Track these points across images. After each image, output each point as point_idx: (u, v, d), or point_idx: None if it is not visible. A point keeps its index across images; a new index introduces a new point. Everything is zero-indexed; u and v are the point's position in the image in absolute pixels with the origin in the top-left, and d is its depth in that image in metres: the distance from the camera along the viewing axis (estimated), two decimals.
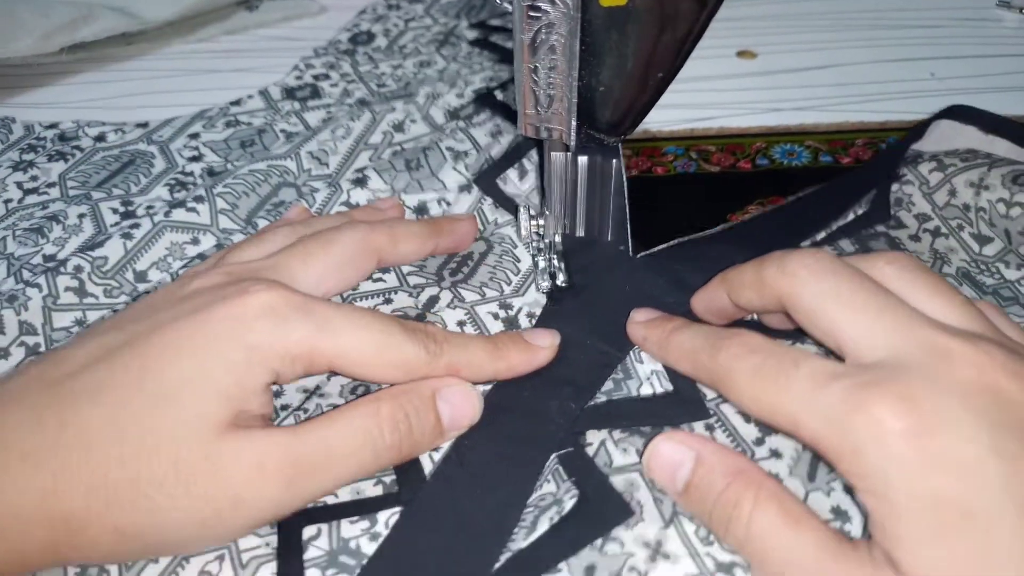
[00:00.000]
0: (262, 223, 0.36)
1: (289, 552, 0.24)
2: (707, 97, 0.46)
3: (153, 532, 0.22)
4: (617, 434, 0.26)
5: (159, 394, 0.22)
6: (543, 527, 0.24)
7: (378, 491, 0.25)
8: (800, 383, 0.21)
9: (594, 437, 0.26)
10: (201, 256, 0.35)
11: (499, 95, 0.44)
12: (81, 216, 0.37)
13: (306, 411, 0.28)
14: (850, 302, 0.22)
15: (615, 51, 0.26)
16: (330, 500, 0.25)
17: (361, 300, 0.32)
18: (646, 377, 0.28)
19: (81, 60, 0.49)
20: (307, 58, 0.49)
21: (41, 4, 0.47)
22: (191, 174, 0.40)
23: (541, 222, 0.33)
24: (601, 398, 0.28)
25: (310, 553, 0.24)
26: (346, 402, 0.28)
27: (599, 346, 0.30)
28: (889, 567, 0.19)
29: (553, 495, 0.25)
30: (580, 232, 0.34)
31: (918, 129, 0.37)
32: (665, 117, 0.44)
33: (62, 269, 0.33)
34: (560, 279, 0.33)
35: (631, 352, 0.29)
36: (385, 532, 0.24)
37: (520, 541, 0.24)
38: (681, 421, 0.26)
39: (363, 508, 0.25)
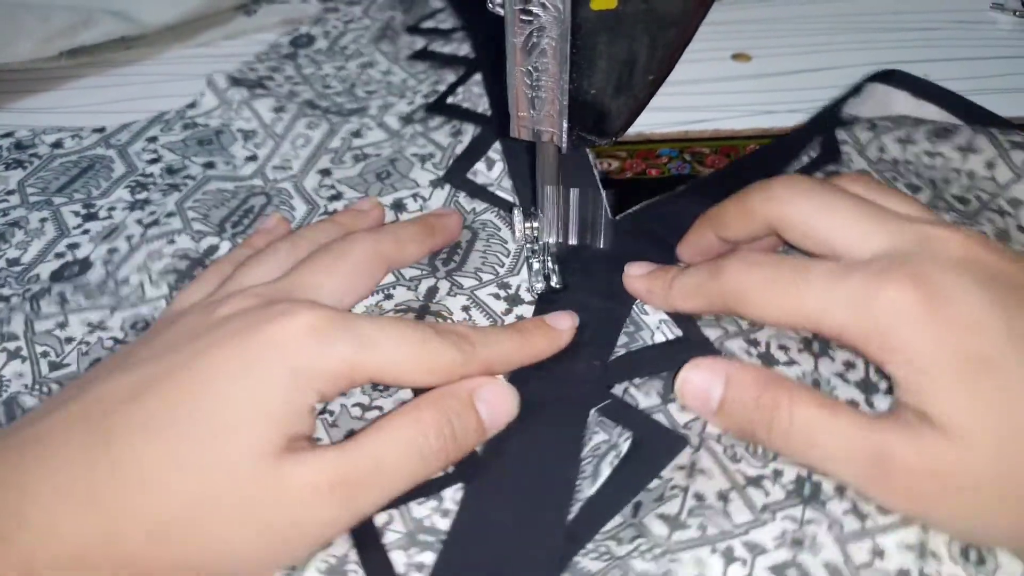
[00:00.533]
0: (229, 234, 0.36)
1: (367, 541, 0.24)
2: (702, 100, 0.46)
3: (215, 565, 0.22)
4: (637, 380, 0.29)
5: (212, 424, 0.22)
6: (606, 472, 0.25)
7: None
8: (817, 282, 0.24)
9: (617, 388, 0.29)
10: (184, 256, 0.34)
11: (450, 99, 0.45)
12: (43, 220, 0.37)
13: (332, 413, 0.28)
14: (841, 212, 0.25)
15: (606, 54, 0.26)
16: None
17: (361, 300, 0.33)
18: (655, 327, 0.30)
19: (81, 64, 0.50)
20: (249, 63, 0.49)
21: (41, 9, 0.47)
22: (151, 175, 0.40)
23: (535, 224, 0.34)
24: (620, 351, 0.30)
25: (388, 537, 0.24)
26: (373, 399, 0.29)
27: (604, 304, 0.31)
28: (922, 423, 0.22)
29: (607, 442, 0.27)
30: (573, 240, 0.34)
31: (856, 88, 0.41)
32: (660, 119, 0.44)
33: (45, 294, 0.33)
34: (554, 281, 0.33)
35: (635, 305, 0.31)
36: (454, 508, 0.25)
37: (587, 490, 0.25)
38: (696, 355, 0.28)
39: (426, 490, 0.25)
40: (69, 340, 0.31)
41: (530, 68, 0.26)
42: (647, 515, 0.24)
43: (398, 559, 0.24)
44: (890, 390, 0.26)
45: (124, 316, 0.32)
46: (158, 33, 0.51)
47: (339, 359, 0.24)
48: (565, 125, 0.27)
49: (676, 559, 0.23)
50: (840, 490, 0.24)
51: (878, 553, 0.23)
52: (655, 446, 0.26)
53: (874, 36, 0.52)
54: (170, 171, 0.40)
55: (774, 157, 0.39)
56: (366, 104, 0.46)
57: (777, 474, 0.25)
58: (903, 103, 0.40)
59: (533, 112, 0.28)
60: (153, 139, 0.43)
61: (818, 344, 0.28)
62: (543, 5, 0.25)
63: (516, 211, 0.35)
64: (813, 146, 0.38)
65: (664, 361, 0.29)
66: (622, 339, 0.30)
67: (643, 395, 0.28)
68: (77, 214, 0.38)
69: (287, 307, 0.25)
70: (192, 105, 0.45)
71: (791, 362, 0.27)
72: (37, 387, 0.30)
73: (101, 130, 0.43)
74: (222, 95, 0.45)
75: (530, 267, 0.34)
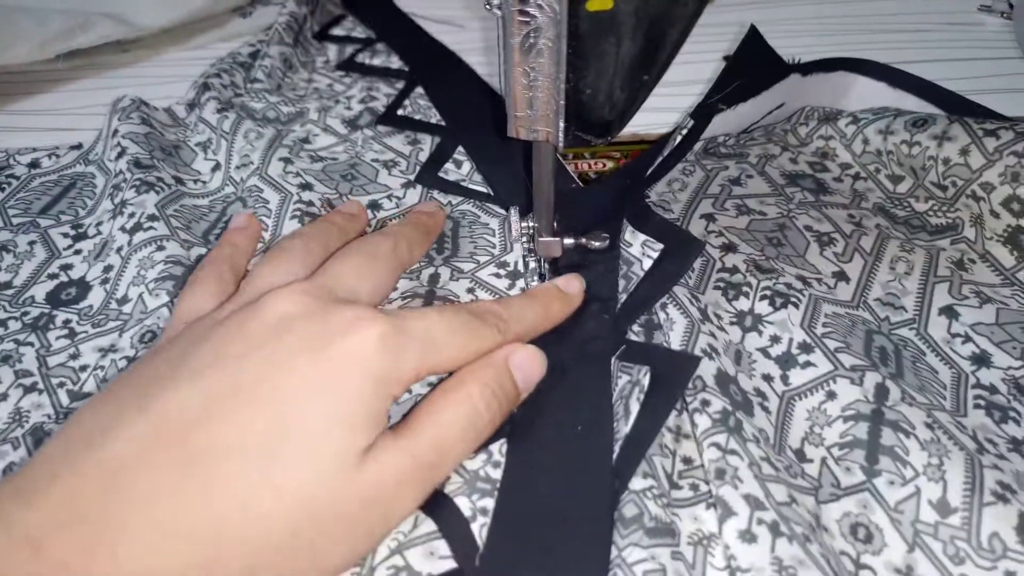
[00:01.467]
0: (214, 242, 0.37)
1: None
2: (693, 100, 0.47)
3: (316, 573, 0.22)
4: (636, 328, 0.31)
5: (302, 442, 0.22)
6: (635, 408, 0.27)
7: None
8: None
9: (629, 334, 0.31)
10: (177, 262, 0.34)
11: (400, 111, 0.46)
12: (31, 243, 0.37)
13: None
14: None
15: (601, 54, 0.27)
16: None
17: None
18: (640, 254, 0.33)
19: (77, 67, 0.50)
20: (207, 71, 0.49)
21: (38, 12, 0.47)
22: (120, 172, 0.39)
23: (531, 223, 0.34)
24: (622, 297, 0.32)
25: (449, 487, 0.26)
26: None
27: (597, 258, 0.34)
28: None
29: (630, 381, 0.28)
30: (568, 240, 0.35)
31: (827, 64, 0.43)
32: (653, 120, 0.45)
33: (51, 325, 0.33)
34: (549, 279, 0.33)
35: (620, 242, 0.34)
36: (502, 459, 0.27)
37: (624, 428, 0.27)
38: (689, 264, 0.32)
39: None
40: (83, 368, 0.31)
41: (527, 68, 0.27)
42: (655, 455, 0.26)
43: (463, 504, 0.25)
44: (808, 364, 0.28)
45: (131, 334, 0.32)
46: (154, 36, 0.51)
47: (412, 366, 0.25)
48: (561, 124, 0.28)
49: (676, 514, 0.25)
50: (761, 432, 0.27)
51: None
52: (673, 370, 0.28)
53: (862, 38, 0.52)
54: (138, 165, 0.39)
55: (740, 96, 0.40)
56: (303, 108, 0.46)
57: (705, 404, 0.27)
58: (883, 98, 0.42)
59: (530, 112, 0.28)
60: (115, 132, 0.41)
61: (750, 319, 0.30)
62: (540, 6, 0.25)
63: (512, 210, 0.35)
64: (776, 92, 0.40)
65: (660, 284, 0.31)
66: (621, 283, 0.33)
67: (632, 334, 0.31)
68: (66, 235, 0.37)
69: (356, 316, 0.25)
70: (146, 104, 0.44)
71: (720, 329, 0.30)
72: (63, 416, 0.29)
73: (78, 147, 0.43)
74: (180, 121, 0.44)
75: (526, 265, 0.34)
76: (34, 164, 0.42)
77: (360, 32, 0.54)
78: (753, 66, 0.41)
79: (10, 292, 0.34)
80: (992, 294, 0.32)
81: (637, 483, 0.25)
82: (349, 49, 0.53)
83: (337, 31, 0.55)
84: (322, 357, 0.23)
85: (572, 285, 0.32)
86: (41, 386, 0.30)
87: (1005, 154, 0.34)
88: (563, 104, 0.27)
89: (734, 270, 0.32)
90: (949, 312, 0.31)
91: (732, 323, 0.30)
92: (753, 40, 0.41)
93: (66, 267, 0.36)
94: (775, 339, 0.29)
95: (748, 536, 0.23)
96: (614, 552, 0.24)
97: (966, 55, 0.50)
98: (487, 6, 0.27)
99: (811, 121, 0.41)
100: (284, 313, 0.25)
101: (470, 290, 0.34)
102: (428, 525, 0.25)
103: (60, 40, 0.47)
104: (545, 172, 0.31)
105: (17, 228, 0.38)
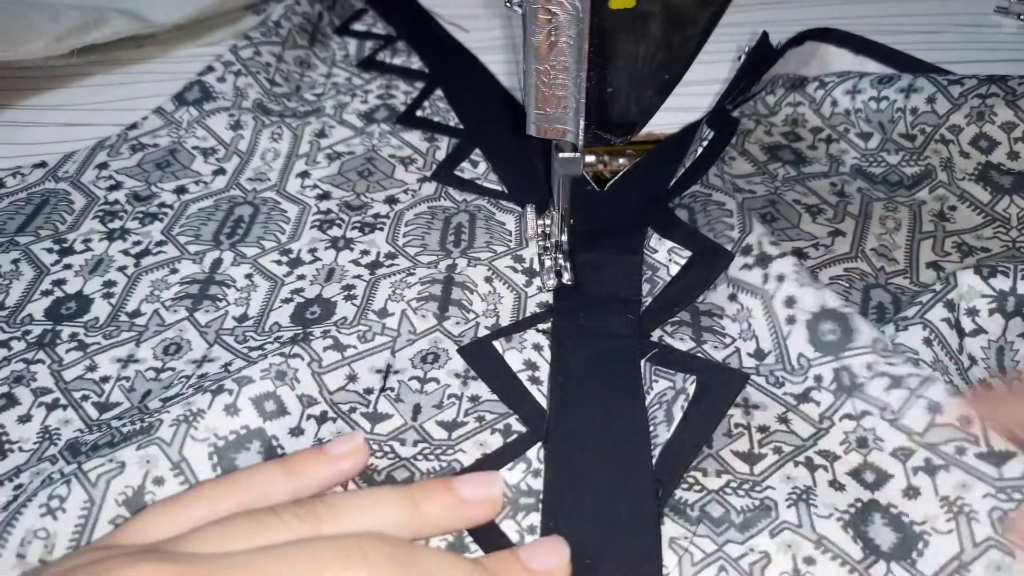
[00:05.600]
0: (227, 245, 0.37)
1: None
2: (708, 100, 0.47)
3: None
4: (668, 328, 0.31)
5: None
6: (678, 415, 0.27)
7: (499, 440, 0.28)
8: None
9: (653, 335, 0.31)
10: (193, 281, 0.35)
11: (419, 112, 0.46)
12: (15, 261, 0.36)
13: (392, 389, 0.30)
14: None
15: (623, 53, 0.26)
16: (471, 460, 0.27)
17: (384, 279, 0.35)
18: (667, 260, 0.34)
19: (91, 63, 0.50)
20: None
21: (53, 7, 0.47)
22: (117, 202, 0.40)
23: (547, 221, 0.34)
24: (647, 300, 0.33)
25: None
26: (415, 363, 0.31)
27: (619, 259, 0.34)
28: None
29: (672, 388, 0.29)
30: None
31: (798, 38, 0.45)
32: (669, 119, 0.45)
33: (58, 340, 0.32)
34: (566, 277, 0.33)
35: (645, 248, 0.35)
36: (540, 466, 0.27)
37: (664, 435, 0.27)
38: (717, 274, 0.32)
39: (510, 454, 0.27)
40: (105, 379, 0.31)
41: (548, 66, 0.27)
42: (722, 449, 0.27)
43: (509, 528, 0.25)
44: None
45: (152, 345, 0.32)
46: (168, 32, 0.52)
47: None
48: (582, 123, 0.28)
49: (768, 485, 0.26)
50: (869, 367, 0.28)
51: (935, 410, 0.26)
52: (721, 383, 0.28)
53: (878, 39, 0.52)
54: (138, 198, 0.40)
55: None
56: (320, 105, 0.46)
57: (818, 379, 0.28)
58: (844, 62, 0.44)
59: (550, 110, 0.28)
60: (104, 166, 0.42)
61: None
62: (561, 3, 0.25)
63: (528, 208, 0.35)
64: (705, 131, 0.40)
65: (689, 290, 0.32)
66: (645, 287, 0.33)
67: (678, 341, 0.31)
68: (50, 251, 0.37)
69: None
70: (133, 126, 0.44)
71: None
72: (96, 428, 0.29)
73: (42, 164, 0.42)
74: (169, 116, 0.45)
75: (542, 264, 0.34)
76: None
77: (380, 28, 0.54)
78: (759, 67, 0.42)
79: (4, 313, 0.34)
80: (974, 241, 0.35)
81: (713, 483, 0.26)
82: (369, 44, 0.53)
83: (358, 26, 0.55)
84: None
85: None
86: (64, 401, 0.30)
87: (970, 97, 0.36)
88: (583, 102, 0.27)
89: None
90: (935, 267, 0.34)
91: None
92: (763, 45, 0.43)
93: (59, 282, 0.35)
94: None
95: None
96: (712, 547, 0.24)
97: (982, 57, 0.50)
98: (507, 4, 0.27)
99: (778, 89, 0.43)
100: None
101: (488, 279, 0.34)
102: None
103: (74, 36, 0.47)
104: (564, 174, 0.31)
105: None
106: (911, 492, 0.25)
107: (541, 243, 0.35)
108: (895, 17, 0.54)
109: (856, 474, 0.26)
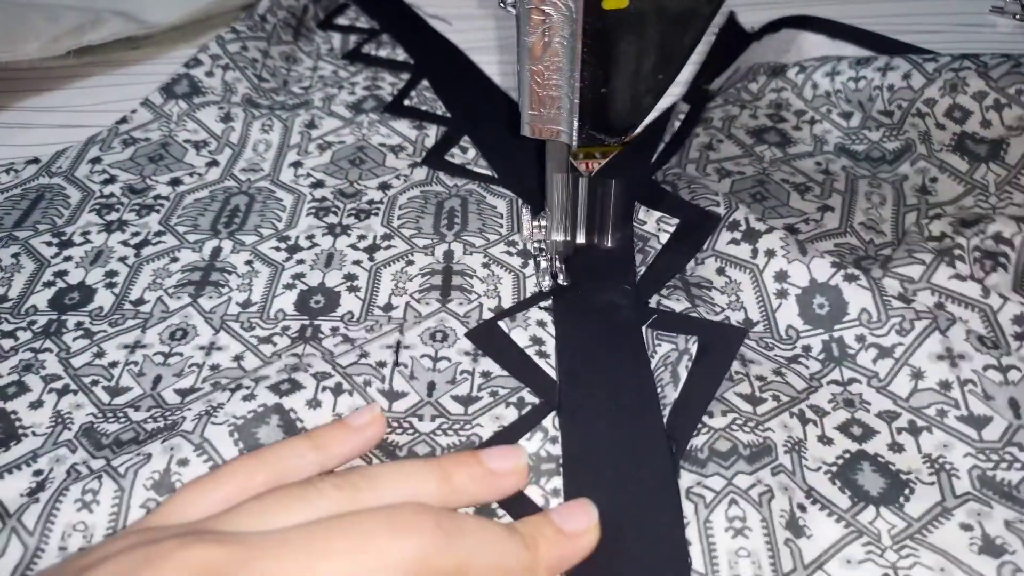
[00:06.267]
0: (225, 234, 0.38)
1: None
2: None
3: None
4: (664, 291, 0.33)
5: None
6: (684, 374, 0.28)
7: (514, 413, 0.29)
8: None
9: (651, 302, 0.32)
10: (194, 268, 0.35)
11: (406, 102, 0.47)
12: (16, 255, 0.36)
13: (405, 366, 0.30)
14: None
15: (617, 53, 0.26)
16: (489, 434, 0.28)
17: (385, 267, 0.36)
18: (656, 230, 0.35)
19: (88, 64, 0.50)
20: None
21: (50, 8, 0.48)
22: (112, 195, 0.40)
23: (543, 223, 0.34)
24: (642, 269, 0.34)
25: None
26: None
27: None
28: None
29: (676, 349, 0.30)
30: (580, 239, 0.35)
31: (774, 24, 0.47)
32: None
33: (63, 329, 0.33)
34: (561, 279, 0.33)
35: (634, 221, 0.36)
36: (556, 433, 0.28)
37: (672, 394, 0.28)
38: (706, 236, 0.34)
39: (526, 425, 0.28)
40: (113, 364, 0.31)
41: (541, 67, 0.27)
42: (726, 392, 0.28)
43: (534, 493, 0.26)
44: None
45: (158, 331, 0.33)
46: (164, 33, 0.52)
47: None
48: (576, 123, 0.28)
49: (768, 427, 0.27)
50: (861, 339, 0.29)
51: (917, 376, 0.28)
52: (723, 340, 0.30)
53: None
54: (133, 191, 0.40)
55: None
56: (308, 98, 0.47)
57: (807, 349, 0.30)
58: (822, 48, 0.46)
59: (544, 110, 0.28)
60: (97, 160, 0.42)
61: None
62: (555, 4, 0.25)
63: (524, 210, 0.35)
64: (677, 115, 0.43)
65: (681, 256, 0.34)
66: (638, 257, 0.35)
67: (675, 302, 0.32)
68: (50, 244, 0.37)
69: None
70: (123, 120, 0.45)
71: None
72: (111, 414, 0.29)
73: (35, 161, 0.42)
74: (158, 110, 0.45)
75: (537, 265, 0.34)
76: None
77: (364, 22, 0.55)
78: (730, 47, 0.45)
79: (8, 305, 0.34)
80: (956, 212, 0.35)
81: (719, 422, 0.27)
82: (353, 38, 0.53)
83: (341, 20, 0.55)
84: None
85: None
86: (74, 387, 0.30)
87: (944, 71, 0.38)
88: (577, 103, 0.27)
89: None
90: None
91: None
92: (731, 25, 0.46)
93: (61, 273, 0.36)
94: None
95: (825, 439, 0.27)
96: (722, 483, 0.25)
97: None
98: (501, 4, 0.27)
99: (760, 77, 0.44)
100: None
101: (485, 264, 0.35)
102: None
103: (71, 37, 0.47)
104: (558, 172, 0.31)
105: None
106: (896, 447, 0.27)
107: (536, 245, 0.35)
108: (891, 17, 0.54)
109: (844, 428, 0.27)
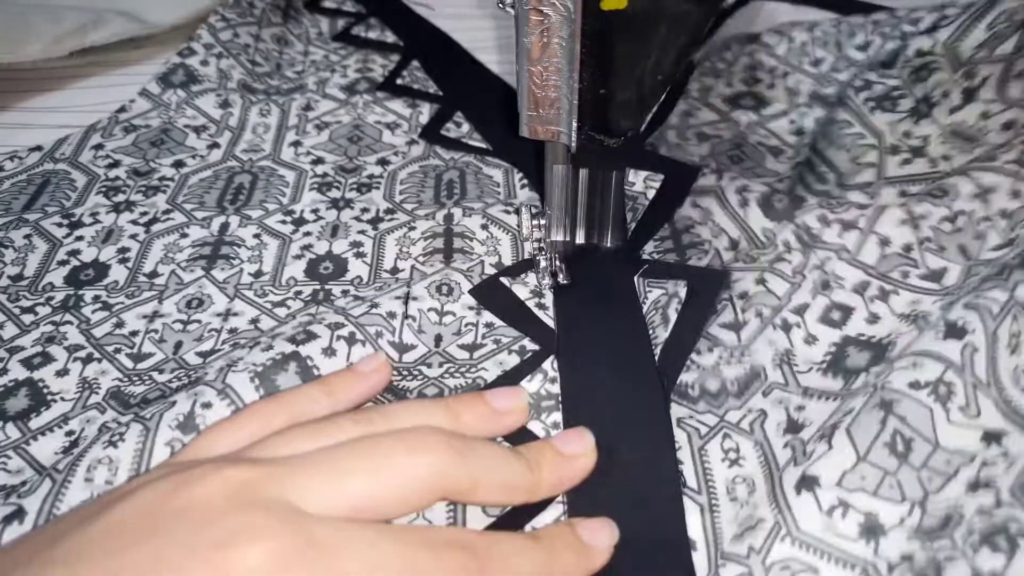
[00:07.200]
0: (232, 210, 0.39)
1: None
2: None
3: None
4: (656, 247, 0.35)
5: None
6: (674, 316, 0.31)
7: (516, 359, 0.30)
8: None
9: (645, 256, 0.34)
10: (204, 243, 0.37)
11: (398, 81, 0.49)
12: (28, 236, 0.38)
13: (414, 319, 0.32)
14: None
15: (615, 54, 0.26)
16: (493, 376, 0.30)
17: (388, 235, 0.37)
18: (644, 188, 0.38)
19: (90, 64, 0.50)
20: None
21: (51, 9, 0.48)
22: (118, 178, 0.41)
23: (542, 221, 0.34)
24: (632, 225, 0.36)
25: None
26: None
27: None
28: None
29: (665, 293, 0.32)
30: (580, 239, 0.35)
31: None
32: None
33: (82, 303, 0.34)
34: (561, 277, 0.33)
35: (625, 182, 0.37)
36: (555, 374, 0.30)
37: (663, 334, 0.30)
38: (689, 186, 0.37)
39: (527, 368, 0.30)
40: (134, 333, 0.32)
41: (540, 68, 0.27)
42: (711, 326, 0.30)
43: (536, 428, 0.28)
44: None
45: (175, 301, 0.34)
46: (166, 33, 0.52)
47: None
48: (574, 125, 0.28)
49: (751, 351, 0.29)
50: (823, 219, 0.32)
51: (884, 243, 0.31)
52: (707, 281, 0.32)
53: None
54: (137, 173, 0.42)
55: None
56: (302, 82, 0.49)
57: (787, 244, 0.32)
58: (786, 14, 0.48)
59: (542, 111, 0.28)
60: (99, 147, 0.44)
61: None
62: (553, 5, 0.25)
63: (523, 209, 0.35)
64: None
65: (664, 212, 0.36)
66: (629, 215, 0.37)
67: (669, 257, 0.35)
68: (60, 225, 0.38)
69: (238, 528, 0.20)
70: (122, 110, 0.46)
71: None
72: (137, 378, 0.30)
73: (38, 148, 0.43)
74: (157, 99, 0.47)
75: (537, 264, 0.34)
76: None
77: (350, 6, 0.57)
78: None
79: (25, 282, 0.35)
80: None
81: (707, 360, 0.29)
82: (341, 22, 0.55)
83: (327, 3, 0.57)
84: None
85: (598, 536, 0.24)
86: (97, 355, 0.31)
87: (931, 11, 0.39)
88: (576, 104, 0.27)
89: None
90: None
91: None
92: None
93: (74, 252, 0.37)
94: None
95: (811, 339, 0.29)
96: (714, 420, 0.27)
97: None
98: (500, 4, 0.27)
99: (734, 46, 0.46)
100: (190, 503, 0.20)
101: (484, 226, 0.37)
102: None
103: (73, 37, 0.47)
104: (557, 173, 0.31)
105: (6, 226, 0.38)
106: (872, 318, 0.29)
107: (536, 244, 0.35)
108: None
109: (825, 317, 0.29)
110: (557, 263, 0.34)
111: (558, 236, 0.33)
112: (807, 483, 0.24)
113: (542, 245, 0.34)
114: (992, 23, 0.33)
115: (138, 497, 0.21)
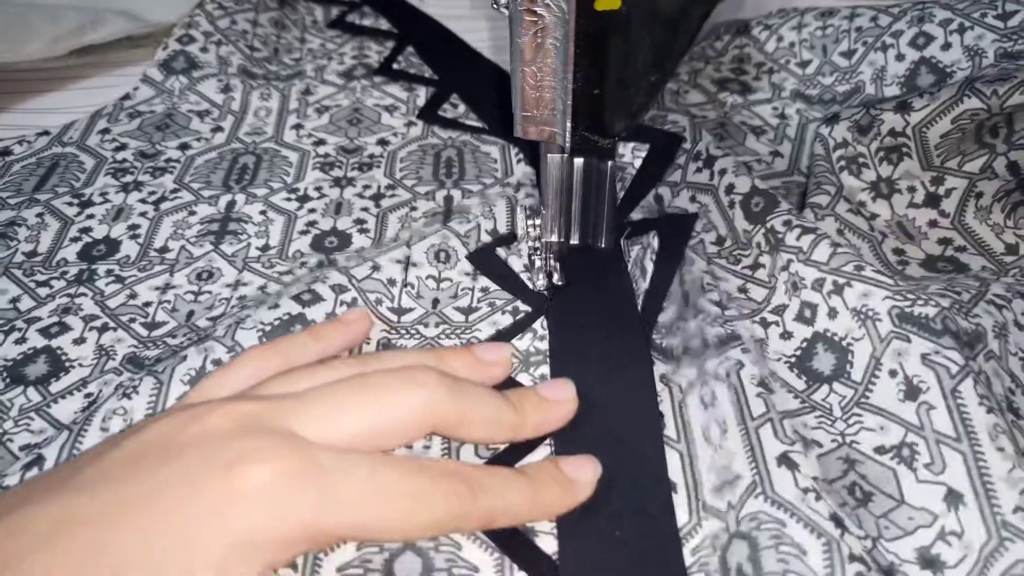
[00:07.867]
0: (238, 189, 0.41)
1: None
2: None
3: None
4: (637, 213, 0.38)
5: None
6: (650, 267, 0.33)
7: (509, 319, 0.33)
8: None
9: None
10: (211, 220, 0.39)
11: (394, 66, 0.51)
12: (40, 215, 0.39)
13: (412, 286, 0.34)
14: None
15: (609, 54, 0.26)
16: (486, 337, 0.32)
17: (392, 212, 0.39)
18: (632, 159, 0.40)
19: (89, 64, 0.50)
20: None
21: (50, 9, 0.48)
22: (126, 160, 0.43)
23: (537, 222, 0.34)
24: (621, 194, 0.39)
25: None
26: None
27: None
28: None
29: (642, 247, 0.35)
30: (575, 239, 0.35)
31: None
32: None
33: (95, 276, 0.35)
34: (556, 278, 0.33)
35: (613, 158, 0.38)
36: (544, 333, 0.32)
37: (644, 284, 0.33)
38: (673, 159, 0.39)
39: (519, 328, 0.32)
40: (147, 304, 0.34)
41: (534, 68, 0.27)
42: (699, 299, 0.32)
43: (525, 380, 0.30)
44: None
45: (186, 273, 0.36)
46: (165, 32, 0.52)
47: (292, 524, 0.21)
48: (568, 125, 0.28)
49: (738, 325, 0.30)
50: (787, 223, 0.33)
51: (836, 244, 0.32)
52: (674, 225, 0.35)
53: None
54: (144, 155, 0.43)
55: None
56: (300, 69, 0.51)
57: (759, 246, 0.34)
58: (776, 1, 0.50)
59: (537, 112, 0.28)
60: (106, 131, 0.45)
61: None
62: (547, 5, 0.25)
63: (519, 209, 0.35)
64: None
65: (651, 178, 0.39)
66: (618, 185, 0.38)
67: (645, 213, 0.38)
68: (71, 204, 0.40)
69: (246, 450, 0.21)
70: (126, 97, 0.48)
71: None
72: (152, 344, 0.32)
73: (45, 133, 0.45)
74: (160, 86, 0.48)
75: (532, 264, 0.34)
76: (5, 152, 0.44)
77: None
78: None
79: (39, 258, 0.37)
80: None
81: (692, 326, 0.31)
82: (335, 10, 0.57)
83: None
84: (183, 496, 0.20)
85: (582, 471, 0.25)
86: (112, 325, 0.33)
87: (910, 10, 0.41)
88: (570, 104, 0.27)
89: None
90: None
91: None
92: None
93: (86, 230, 0.38)
94: None
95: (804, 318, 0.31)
96: (695, 371, 0.29)
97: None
98: (494, 5, 0.27)
99: (725, 35, 0.49)
100: (200, 432, 0.22)
101: (482, 204, 0.39)
102: None
103: (72, 37, 0.48)
104: (552, 173, 0.31)
105: (18, 206, 0.40)
106: (832, 313, 0.30)
107: (531, 244, 0.35)
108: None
109: (800, 316, 0.31)
110: (552, 263, 0.34)
111: (553, 237, 0.33)
112: (788, 463, 0.25)
113: (537, 245, 0.34)
114: (957, 118, 0.34)
115: (151, 430, 0.23)
